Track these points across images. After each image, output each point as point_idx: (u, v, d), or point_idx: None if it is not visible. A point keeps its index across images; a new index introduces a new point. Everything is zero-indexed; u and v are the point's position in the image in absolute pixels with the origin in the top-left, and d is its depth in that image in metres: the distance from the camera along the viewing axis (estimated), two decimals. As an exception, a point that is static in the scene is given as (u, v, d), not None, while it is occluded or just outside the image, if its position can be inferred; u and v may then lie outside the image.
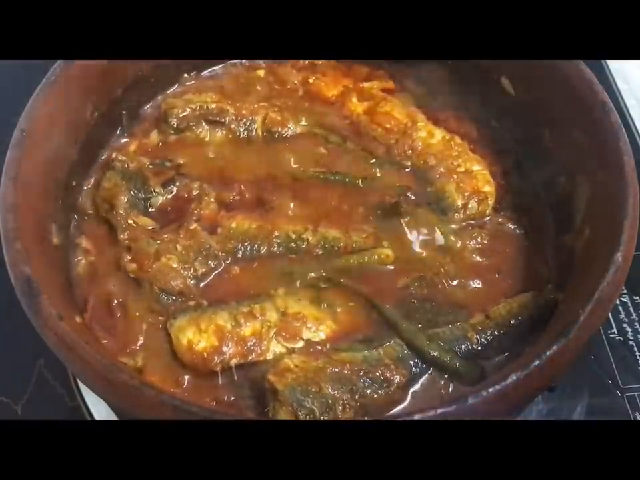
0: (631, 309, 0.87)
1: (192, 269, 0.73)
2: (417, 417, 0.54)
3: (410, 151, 0.82)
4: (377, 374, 0.66)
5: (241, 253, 0.75)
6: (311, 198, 0.79)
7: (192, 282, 0.73)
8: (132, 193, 0.78)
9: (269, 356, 0.68)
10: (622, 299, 0.88)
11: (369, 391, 0.65)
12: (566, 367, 0.60)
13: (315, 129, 0.86)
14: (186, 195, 0.79)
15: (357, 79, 0.91)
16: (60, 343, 0.59)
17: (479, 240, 0.77)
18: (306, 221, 0.76)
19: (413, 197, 0.79)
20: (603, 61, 1.11)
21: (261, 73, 0.92)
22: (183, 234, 0.75)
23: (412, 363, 0.68)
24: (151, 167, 0.81)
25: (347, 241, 0.75)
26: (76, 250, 0.76)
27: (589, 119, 0.72)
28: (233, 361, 0.68)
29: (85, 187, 0.80)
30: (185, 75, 0.91)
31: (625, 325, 0.86)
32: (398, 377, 0.66)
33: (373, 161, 0.83)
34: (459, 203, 0.78)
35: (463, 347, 0.69)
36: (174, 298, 0.72)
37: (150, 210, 0.78)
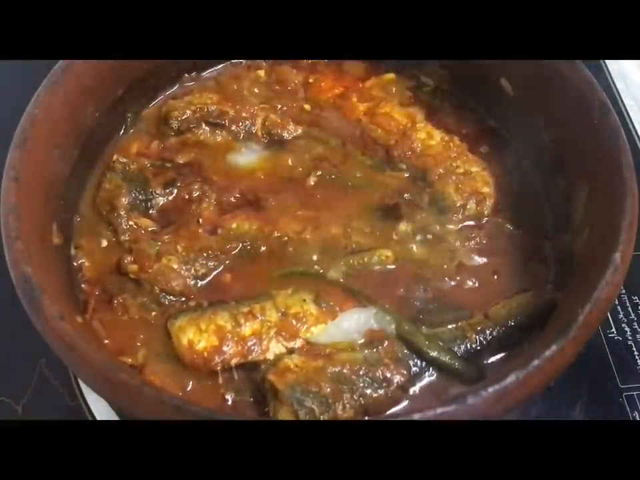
0: (630, 309, 0.87)
1: (192, 269, 0.73)
2: (416, 417, 0.54)
3: (409, 152, 0.83)
4: (377, 374, 0.66)
5: (241, 253, 0.75)
6: (310, 199, 0.79)
7: (192, 282, 0.73)
8: (133, 194, 0.78)
9: (269, 356, 0.68)
10: (621, 298, 0.88)
11: (368, 391, 0.65)
12: (565, 367, 0.60)
13: (314, 130, 0.86)
14: (186, 196, 0.79)
15: (355, 78, 0.91)
16: (61, 343, 0.59)
17: (477, 240, 0.77)
18: (306, 222, 0.77)
19: (412, 198, 0.79)
20: (601, 62, 1.11)
21: (261, 73, 0.92)
22: (184, 235, 0.75)
23: (412, 363, 0.68)
24: (151, 168, 0.81)
25: (346, 241, 0.76)
26: (77, 250, 0.76)
27: (588, 119, 0.72)
28: (233, 361, 0.68)
29: (86, 188, 0.80)
30: (185, 75, 0.91)
31: (623, 325, 0.86)
32: (398, 376, 0.66)
33: (373, 162, 0.83)
34: (458, 203, 0.78)
35: (462, 346, 0.70)
36: (174, 298, 0.72)
37: (151, 211, 0.79)
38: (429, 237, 0.77)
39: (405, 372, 0.67)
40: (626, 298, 0.88)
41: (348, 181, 0.81)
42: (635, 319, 0.87)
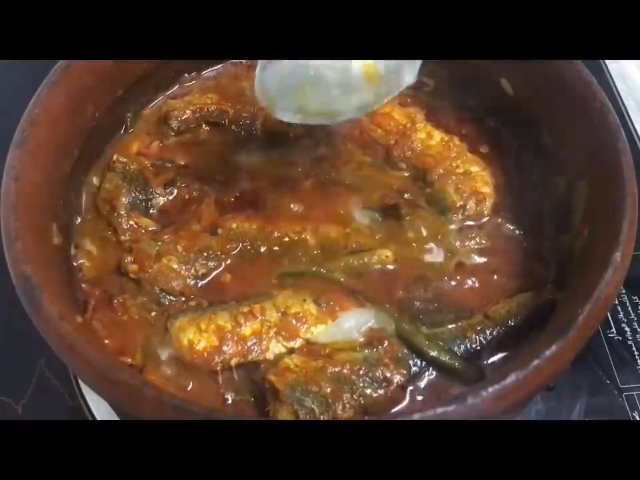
0: (630, 309, 0.87)
1: (192, 269, 0.73)
2: (416, 417, 0.54)
3: (409, 152, 0.83)
4: (377, 374, 0.66)
5: (241, 253, 0.75)
6: (310, 199, 0.80)
7: (192, 282, 0.73)
8: (133, 194, 0.78)
9: (269, 356, 0.68)
10: (621, 299, 0.88)
11: (368, 391, 0.65)
12: (565, 367, 0.60)
13: (314, 130, 0.86)
14: (187, 196, 0.79)
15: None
16: (61, 343, 0.59)
17: (477, 240, 0.77)
18: (306, 222, 0.77)
19: (412, 198, 0.80)
20: (601, 62, 1.11)
21: (261, 73, 0.92)
22: (184, 235, 0.75)
23: (412, 362, 0.68)
24: (151, 168, 0.81)
25: (346, 241, 0.76)
26: (77, 250, 0.76)
27: (588, 119, 0.72)
28: (233, 361, 0.68)
29: (86, 188, 0.80)
30: (185, 75, 0.91)
31: (623, 325, 0.86)
32: (398, 376, 0.66)
33: (373, 162, 0.83)
34: (458, 203, 0.78)
35: (462, 346, 0.70)
36: (174, 298, 0.72)
37: (151, 211, 0.79)
38: (429, 237, 0.77)
39: (405, 372, 0.67)
40: (626, 298, 0.88)
41: (348, 181, 0.81)
42: (635, 318, 0.87)
